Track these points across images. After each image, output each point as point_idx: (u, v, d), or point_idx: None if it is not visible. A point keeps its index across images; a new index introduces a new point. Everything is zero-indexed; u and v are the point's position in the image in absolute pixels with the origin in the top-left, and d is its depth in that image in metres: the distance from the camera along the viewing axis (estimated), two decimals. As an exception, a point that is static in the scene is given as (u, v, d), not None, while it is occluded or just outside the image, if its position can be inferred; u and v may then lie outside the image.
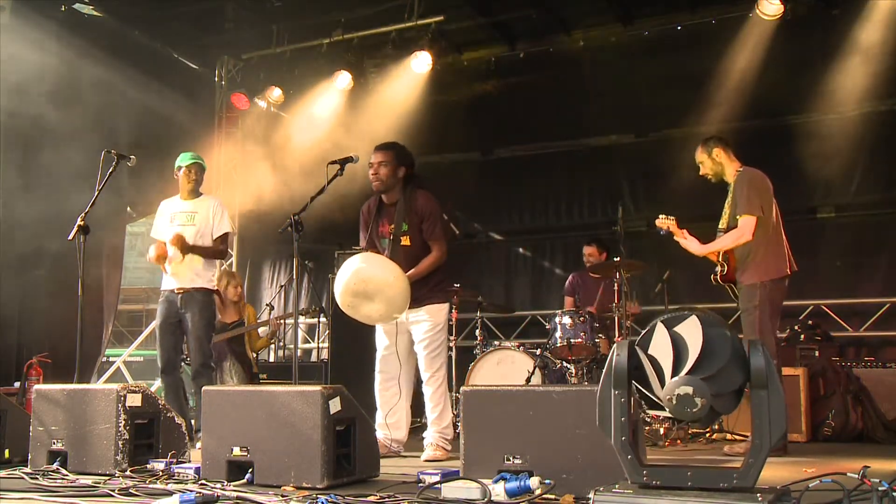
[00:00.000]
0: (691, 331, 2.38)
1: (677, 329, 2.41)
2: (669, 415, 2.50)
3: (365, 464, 3.60)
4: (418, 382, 4.91)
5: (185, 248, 5.43)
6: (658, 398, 2.41)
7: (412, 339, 4.80)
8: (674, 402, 2.31)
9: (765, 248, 4.78)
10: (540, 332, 8.70)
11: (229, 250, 7.26)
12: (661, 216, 5.20)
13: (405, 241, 4.74)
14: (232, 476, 3.51)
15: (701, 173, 5.06)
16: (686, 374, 2.33)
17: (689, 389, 2.30)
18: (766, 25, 7.19)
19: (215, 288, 5.72)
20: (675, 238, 5.10)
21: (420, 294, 4.65)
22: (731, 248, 4.89)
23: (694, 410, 2.30)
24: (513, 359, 6.25)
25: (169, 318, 5.53)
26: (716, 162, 4.96)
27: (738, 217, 4.80)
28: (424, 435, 4.77)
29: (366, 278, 4.45)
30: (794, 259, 4.93)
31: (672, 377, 2.35)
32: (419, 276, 4.65)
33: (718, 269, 5.02)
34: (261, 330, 7.32)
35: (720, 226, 5.01)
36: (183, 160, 5.69)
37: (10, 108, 6.47)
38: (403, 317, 4.70)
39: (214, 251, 5.62)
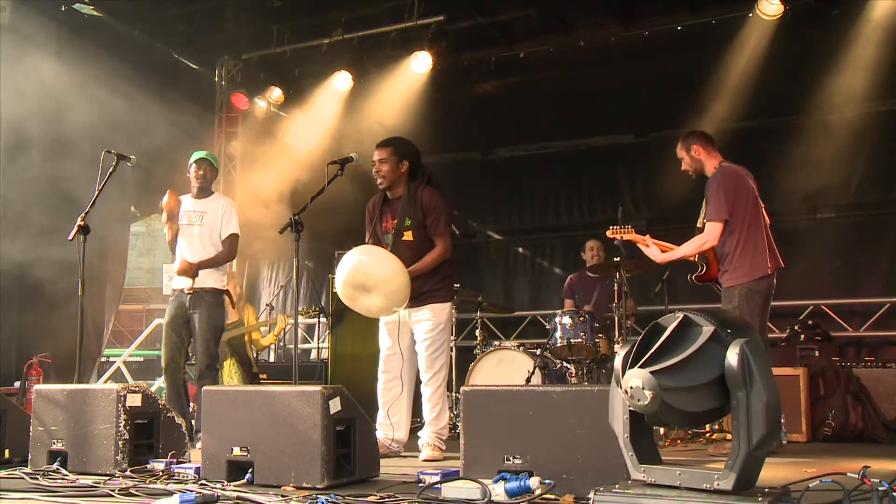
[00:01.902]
0: (668, 327, 2.36)
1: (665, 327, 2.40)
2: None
3: (365, 464, 3.59)
4: (418, 383, 4.90)
5: (194, 271, 5.40)
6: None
7: (414, 339, 4.79)
8: (629, 394, 2.29)
9: (741, 249, 4.64)
10: (540, 332, 8.71)
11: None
12: (611, 227, 5.17)
13: (407, 235, 4.73)
14: (232, 476, 3.51)
15: (682, 168, 5.00)
16: (639, 366, 2.30)
17: (639, 382, 2.27)
18: (766, 25, 7.17)
19: (225, 288, 5.63)
20: (638, 246, 5.03)
21: (423, 290, 4.64)
22: (694, 254, 4.82)
23: (644, 403, 2.26)
24: (513, 359, 6.23)
25: (177, 317, 5.46)
26: (694, 158, 4.88)
27: (705, 221, 4.71)
28: (420, 434, 4.76)
29: (365, 271, 4.45)
30: (783, 255, 4.79)
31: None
32: (423, 271, 4.63)
33: (699, 269, 4.99)
34: (262, 329, 7.32)
35: (698, 224, 4.93)
36: (193, 157, 5.65)
37: (11, 108, 6.47)
38: (406, 315, 4.70)
39: (223, 258, 5.57)
